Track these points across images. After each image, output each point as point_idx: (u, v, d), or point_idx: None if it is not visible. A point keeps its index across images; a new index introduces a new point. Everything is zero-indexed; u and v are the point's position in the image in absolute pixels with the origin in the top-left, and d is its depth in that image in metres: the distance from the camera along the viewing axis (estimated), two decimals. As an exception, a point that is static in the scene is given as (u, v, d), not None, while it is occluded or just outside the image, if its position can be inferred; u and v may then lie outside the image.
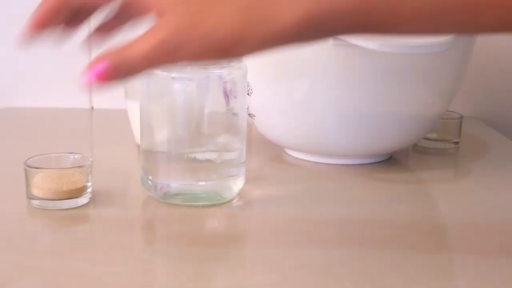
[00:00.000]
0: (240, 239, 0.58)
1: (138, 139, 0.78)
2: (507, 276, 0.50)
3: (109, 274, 0.49)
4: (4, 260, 0.51)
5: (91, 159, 0.62)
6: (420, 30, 0.46)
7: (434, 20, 0.44)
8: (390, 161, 0.80)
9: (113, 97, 0.93)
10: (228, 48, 0.43)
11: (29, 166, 0.60)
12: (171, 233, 0.58)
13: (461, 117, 0.86)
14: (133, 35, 0.45)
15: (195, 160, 0.62)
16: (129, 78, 0.44)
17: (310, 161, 0.78)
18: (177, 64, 0.45)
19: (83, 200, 0.60)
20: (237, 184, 0.64)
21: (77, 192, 0.60)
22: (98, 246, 0.54)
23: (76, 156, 0.63)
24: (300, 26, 0.43)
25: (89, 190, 0.61)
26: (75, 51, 1.03)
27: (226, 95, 0.61)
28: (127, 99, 0.79)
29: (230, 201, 0.63)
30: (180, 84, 0.61)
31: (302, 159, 0.78)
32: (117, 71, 0.44)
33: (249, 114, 0.77)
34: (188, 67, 0.61)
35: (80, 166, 0.61)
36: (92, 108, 1.02)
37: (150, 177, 0.62)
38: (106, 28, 0.51)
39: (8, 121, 0.97)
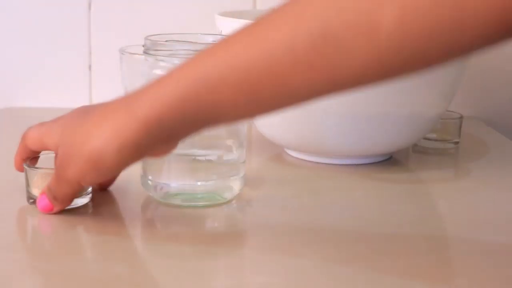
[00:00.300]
0: (240, 239, 0.58)
1: (138, 139, 0.78)
2: (507, 276, 0.50)
3: (109, 274, 0.49)
4: (4, 259, 0.51)
5: None
6: (248, 113, 0.50)
7: (254, 100, 0.47)
8: (390, 161, 0.80)
9: (113, 97, 0.93)
10: (98, 158, 0.51)
11: (29, 166, 0.60)
12: (171, 233, 0.57)
13: (461, 117, 0.86)
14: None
15: (195, 160, 0.62)
16: (67, 201, 0.57)
17: (310, 161, 0.78)
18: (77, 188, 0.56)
19: (83, 200, 0.60)
20: (237, 184, 0.64)
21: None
22: (98, 246, 0.54)
23: None
24: (141, 132, 0.49)
25: (89, 189, 0.61)
26: (75, 51, 1.03)
27: (226, 95, 0.61)
28: (127, 99, 0.79)
29: (230, 201, 0.63)
30: (180, 84, 0.61)
31: (302, 159, 0.78)
32: (50, 199, 0.57)
33: (249, 114, 0.77)
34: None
35: None
36: (92, 108, 1.02)
37: (150, 177, 0.62)
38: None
39: (8, 121, 0.97)
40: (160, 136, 0.50)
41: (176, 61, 0.60)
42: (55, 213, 0.57)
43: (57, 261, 0.51)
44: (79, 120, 0.55)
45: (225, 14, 0.80)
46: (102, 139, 0.51)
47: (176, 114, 0.48)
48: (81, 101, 1.01)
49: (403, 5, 0.40)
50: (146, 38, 0.62)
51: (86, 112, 0.55)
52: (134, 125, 0.49)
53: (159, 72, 0.61)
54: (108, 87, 0.99)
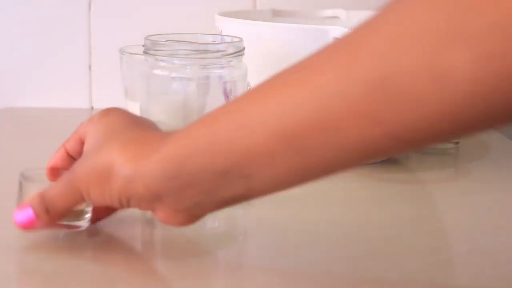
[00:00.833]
0: (240, 239, 0.58)
1: (138, 139, 0.78)
2: (507, 276, 0.50)
3: (109, 274, 0.49)
4: (4, 259, 0.51)
5: None
6: (287, 173, 0.43)
7: (296, 153, 0.40)
8: (390, 161, 0.80)
9: (113, 97, 0.93)
10: (107, 175, 0.46)
11: (27, 179, 0.55)
12: (171, 233, 0.57)
13: (461, 117, 0.86)
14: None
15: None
16: (59, 215, 0.50)
17: (310, 161, 0.78)
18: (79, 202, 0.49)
19: (81, 223, 0.53)
20: (237, 184, 0.64)
21: (76, 215, 0.53)
22: (98, 246, 0.54)
23: None
24: (156, 167, 0.45)
25: (87, 215, 0.54)
26: (75, 51, 1.03)
27: (226, 95, 0.61)
28: (127, 99, 0.79)
29: (230, 201, 0.63)
30: (180, 84, 0.61)
31: (302, 159, 0.78)
32: (40, 211, 0.50)
33: (249, 114, 0.77)
34: (188, 67, 0.61)
35: None
36: (92, 108, 1.02)
37: (150, 177, 0.62)
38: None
39: (8, 121, 0.97)
40: (175, 182, 0.44)
41: (176, 61, 0.61)
42: (34, 230, 0.51)
43: (57, 261, 0.51)
44: (123, 130, 0.49)
45: (225, 14, 0.80)
46: (120, 161, 0.46)
47: (199, 158, 0.43)
48: (81, 101, 1.02)
49: (476, 47, 0.33)
50: (146, 38, 0.62)
51: (135, 125, 0.50)
52: (152, 158, 0.45)
53: (159, 72, 0.61)
54: (108, 87, 1.00)
